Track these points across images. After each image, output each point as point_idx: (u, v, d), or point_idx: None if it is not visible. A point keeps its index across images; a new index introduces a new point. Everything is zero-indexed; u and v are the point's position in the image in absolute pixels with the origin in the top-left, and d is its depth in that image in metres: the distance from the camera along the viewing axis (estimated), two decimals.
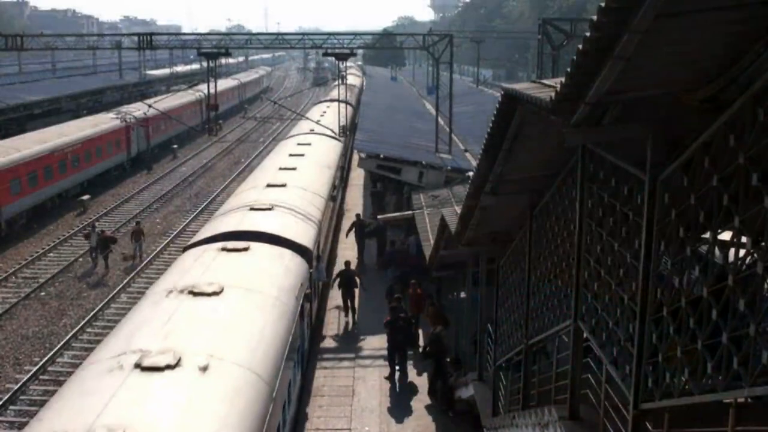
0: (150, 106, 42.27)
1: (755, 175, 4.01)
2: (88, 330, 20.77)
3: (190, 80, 69.49)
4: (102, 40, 50.59)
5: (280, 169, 23.39)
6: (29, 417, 15.27)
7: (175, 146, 51.75)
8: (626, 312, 6.05)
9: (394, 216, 26.08)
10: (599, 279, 6.77)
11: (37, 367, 18.16)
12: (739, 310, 4.16)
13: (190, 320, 10.09)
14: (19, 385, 17.19)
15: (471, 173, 11.48)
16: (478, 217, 11.10)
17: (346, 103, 35.96)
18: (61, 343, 19.59)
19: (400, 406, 15.99)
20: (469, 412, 14.86)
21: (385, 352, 17.50)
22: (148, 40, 32.81)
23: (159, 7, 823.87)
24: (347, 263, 21.08)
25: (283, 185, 20.54)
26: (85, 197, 35.50)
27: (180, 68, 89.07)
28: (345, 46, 32.53)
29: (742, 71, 4.63)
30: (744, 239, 4.20)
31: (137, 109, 45.70)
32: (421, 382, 17.22)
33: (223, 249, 13.69)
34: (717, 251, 4.57)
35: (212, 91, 31.92)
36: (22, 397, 16.94)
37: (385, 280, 23.01)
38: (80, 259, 26.91)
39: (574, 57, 4.50)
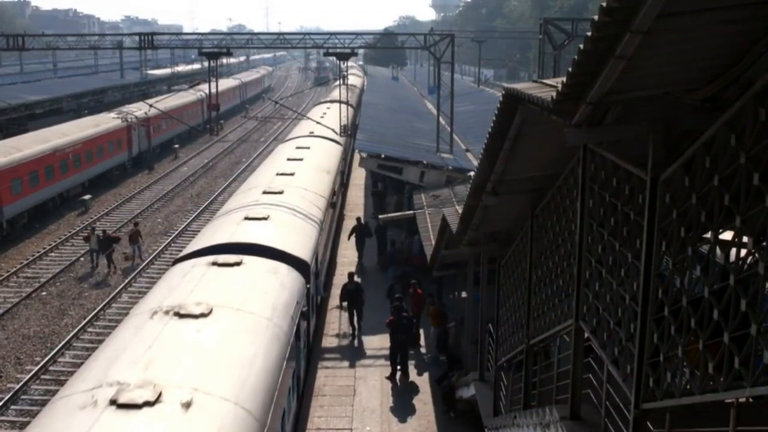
0: (151, 105, 42.25)
1: (756, 175, 4.01)
2: (90, 330, 20.78)
3: (191, 80, 69.46)
4: (103, 40, 50.60)
5: (278, 174, 22.32)
6: (30, 417, 15.30)
7: (177, 146, 51.78)
8: (627, 312, 6.05)
9: (394, 216, 26.09)
10: (600, 279, 6.77)
11: (39, 366, 18.18)
12: (741, 310, 4.16)
13: (174, 347, 9.21)
14: (20, 384, 17.20)
15: (472, 173, 11.48)
16: (479, 216, 11.12)
17: (347, 104, 35.73)
18: (63, 342, 19.60)
19: (401, 405, 15.99)
20: (471, 412, 14.86)
21: (386, 352, 17.51)
22: (149, 39, 32.82)
23: (160, 6, 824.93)
24: (351, 275, 20.37)
25: (281, 192, 19.54)
26: (87, 197, 35.52)
27: (181, 68, 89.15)
28: (346, 45, 32.53)
29: (743, 71, 4.63)
30: (745, 239, 4.20)
31: (138, 109, 45.73)
32: (423, 382, 17.23)
33: (214, 263, 12.72)
34: (718, 251, 4.56)
35: (213, 90, 31.90)
36: (23, 397, 16.96)
37: (385, 280, 23.01)
38: (81, 259, 26.93)
39: (576, 57, 4.50)
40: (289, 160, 25.23)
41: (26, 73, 74.07)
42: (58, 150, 34.02)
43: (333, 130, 32.85)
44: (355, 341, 19.10)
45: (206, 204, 35.40)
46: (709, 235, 4.67)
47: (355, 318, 19.54)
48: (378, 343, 18.65)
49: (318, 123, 33.31)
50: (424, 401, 16.26)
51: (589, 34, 4.18)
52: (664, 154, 5.38)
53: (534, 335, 9.76)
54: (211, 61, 30.83)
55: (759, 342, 3.95)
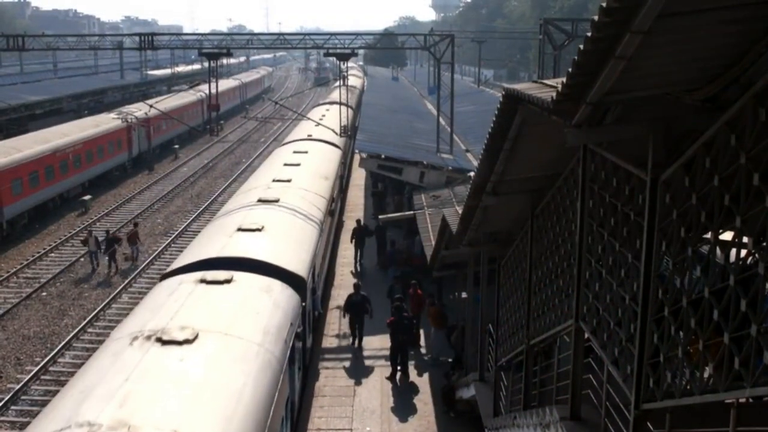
0: (151, 106, 42.25)
1: (756, 175, 4.01)
2: (89, 330, 20.78)
3: (191, 80, 69.50)
4: (103, 41, 50.57)
5: (274, 180, 21.32)
6: (30, 417, 15.31)
7: (177, 146, 51.80)
8: (627, 312, 6.05)
9: (394, 216, 26.10)
10: (600, 279, 6.77)
11: (39, 367, 18.18)
12: (741, 310, 4.16)
13: (154, 379, 8.37)
14: (20, 385, 17.21)
15: (472, 173, 11.48)
16: (479, 217, 11.12)
17: (347, 105, 35.46)
18: (63, 343, 19.60)
19: (401, 406, 15.99)
20: (471, 413, 14.86)
21: (386, 352, 17.51)
22: (149, 40, 32.81)
23: (160, 7, 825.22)
24: (357, 287, 19.52)
25: (276, 200, 18.47)
26: (87, 197, 35.53)
27: (181, 68, 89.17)
28: (346, 46, 32.53)
29: (744, 71, 4.63)
30: (745, 239, 4.20)
31: (138, 110, 45.76)
32: (423, 382, 17.23)
33: (202, 281, 11.78)
34: (718, 251, 4.56)
35: (213, 91, 31.89)
36: (23, 397, 16.96)
37: (385, 280, 23.02)
38: (81, 260, 26.92)
39: (576, 57, 4.50)
40: (286, 165, 24.23)
41: (26, 73, 74.08)
42: (58, 150, 34.02)
43: (333, 130, 32.78)
44: (356, 356, 18.36)
45: (206, 204, 35.40)
46: (709, 235, 4.67)
47: (357, 335, 18.80)
48: (378, 343, 18.65)
49: (319, 123, 33.30)
50: (424, 401, 16.27)
51: (589, 34, 4.18)
52: (664, 154, 5.38)
53: (534, 335, 9.76)
54: (211, 62, 30.82)
55: (759, 342, 3.95)
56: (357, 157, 38.62)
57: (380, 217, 26.75)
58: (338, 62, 31.63)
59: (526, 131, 7.48)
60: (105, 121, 41.83)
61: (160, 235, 30.70)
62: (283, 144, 32.17)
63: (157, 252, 27.76)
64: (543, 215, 9.42)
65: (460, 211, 13.66)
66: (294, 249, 15.49)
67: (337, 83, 46.15)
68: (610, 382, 6.80)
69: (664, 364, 5.31)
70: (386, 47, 66.03)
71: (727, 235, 4.46)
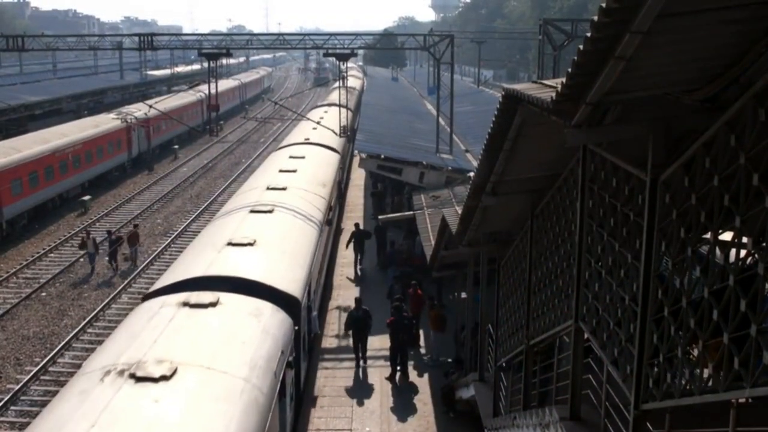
0: (151, 106, 42.32)
1: (756, 176, 4.01)
2: (89, 330, 20.78)
3: (190, 81, 69.53)
4: (103, 41, 50.65)
5: (269, 188, 20.23)
6: (30, 417, 15.31)
7: (176, 147, 51.81)
8: (627, 312, 6.05)
9: (394, 216, 26.10)
10: (600, 279, 6.77)
11: (38, 367, 18.17)
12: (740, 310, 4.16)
13: (124, 425, 7.54)
14: (20, 385, 17.20)
15: (472, 174, 11.48)
16: (479, 217, 11.11)
17: (346, 107, 35.13)
18: (62, 343, 19.60)
19: (401, 406, 16.00)
20: (470, 413, 14.86)
21: (385, 352, 17.51)
22: (148, 40, 32.82)
23: (160, 7, 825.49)
24: (358, 301, 18.33)
25: (270, 211, 17.39)
26: (86, 198, 35.52)
27: (181, 69, 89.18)
28: (346, 46, 32.53)
29: (743, 71, 4.63)
30: (745, 239, 4.20)
31: (138, 110, 45.77)
32: (422, 382, 17.24)
33: (185, 304, 10.77)
34: (718, 251, 4.56)
35: (213, 91, 31.89)
36: (23, 398, 16.95)
37: (385, 280, 23.03)
38: (81, 260, 26.90)
39: (575, 57, 4.50)
40: (281, 171, 23.22)
41: (26, 73, 74.10)
42: (57, 151, 34.02)
43: (333, 131, 32.73)
44: (360, 372, 17.47)
45: (206, 205, 35.40)
46: (708, 235, 4.67)
47: (361, 353, 17.78)
48: (378, 343, 18.63)
49: (318, 124, 33.29)
50: (423, 401, 16.27)
51: (588, 34, 4.18)
52: (664, 154, 5.38)
53: (534, 336, 9.76)
54: (211, 62, 30.84)
55: (758, 342, 3.95)
56: (356, 160, 38.60)
57: (380, 217, 26.75)
58: (338, 62, 31.65)
59: (526, 131, 7.48)
60: (104, 122, 41.83)
61: (159, 236, 30.69)
62: (279, 148, 31.42)
63: (156, 252, 27.76)
64: (543, 215, 9.42)
65: (459, 212, 13.65)
66: (288, 265, 14.36)
67: (336, 84, 45.94)
68: (610, 383, 6.81)
69: (664, 365, 5.31)
70: (386, 47, 66.00)
71: (727, 236, 4.47)
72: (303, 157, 26.16)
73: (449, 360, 17.89)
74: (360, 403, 15.99)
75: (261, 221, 16.54)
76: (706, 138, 4.68)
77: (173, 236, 30.01)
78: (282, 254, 14.81)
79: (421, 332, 19.19)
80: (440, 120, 34.53)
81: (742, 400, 4.85)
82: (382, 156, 27.20)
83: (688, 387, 4.96)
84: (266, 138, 59.24)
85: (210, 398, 8.50)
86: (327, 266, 22.79)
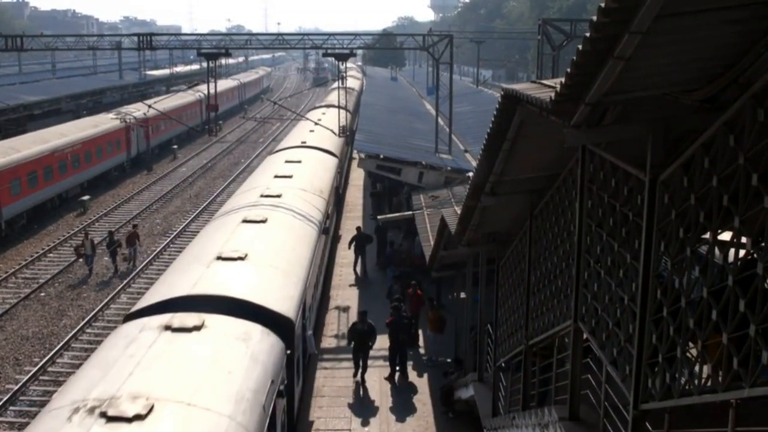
0: (150, 106, 42.33)
1: (755, 176, 4.01)
2: (88, 330, 20.77)
3: (189, 81, 69.54)
4: (102, 41, 50.58)
5: (262, 196, 19.15)
6: (29, 418, 15.30)
7: (175, 147, 51.80)
8: (626, 312, 6.05)
9: (393, 216, 26.10)
10: (599, 279, 6.77)
11: (37, 367, 18.17)
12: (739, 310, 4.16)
13: None
14: (18, 385, 17.19)
15: (471, 174, 11.48)
16: (478, 217, 11.12)
17: (345, 109, 34.79)
18: (61, 343, 19.59)
19: (400, 406, 16.00)
20: (469, 413, 14.86)
21: (385, 353, 17.50)
22: (147, 40, 32.82)
23: (159, 7, 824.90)
24: (363, 314, 17.48)
25: (264, 221, 16.29)
26: (85, 198, 35.51)
27: (180, 69, 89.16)
28: (345, 46, 32.53)
29: (743, 71, 4.64)
30: (744, 240, 4.20)
31: (137, 110, 45.78)
32: (422, 382, 17.24)
33: (167, 328, 9.86)
34: (717, 252, 4.56)
35: (212, 91, 31.89)
36: (21, 398, 16.95)
37: (385, 280, 23.04)
38: (80, 260, 26.87)
39: (574, 57, 4.50)
40: (276, 177, 22.12)
41: (25, 73, 74.07)
42: (56, 151, 34.01)
43: (332, 131, 32.66)
44: (360, 389, 16.80)
45: (205, 205, 35.39)
46: (707, 235, 4.67)
47: (361, 365, 17.14)
48: (377, 343, 18.61)
49: (316, 125, 33.26)
50: (423, 402, 16.27)
51: (587, 34, 4.18)
52: (663, 154, 5.38)
53: (533, 336, 9.76)
54: (210, 62, 30.83)
55: (757, 342, 3.95)
56: (355, 161, 38.59)
57: (379, 217, 26.74)
58: (337, 62, 31.64)
59: (525, 131, 7.48)
60: (103, 122, 41.83)
61: (159, 236, 30.69)
62: (275, 151, 30.44)
63: (156, 252, 27.75)
64: (542, 215, 9.42)
65: (458, 212, 13.66)
66: (281, 282, 13.30)
67: (335, 85, 45.68)
68: (609, 383, 6.81)
69: (663, 365, 5.31)
70: (385, 47, 66.01)
71: (726, 236, 4.47)
72: (299, 162, 25.23)
73: (448, 360, 17.89)
74: (359, 403, 15.99)
75: (253, 232, 15.53)
76: (705, 138, 4.68)
77: (172, 236, 30.00)
78: (275, 270, 13.75)
79: (420, 332, 19.19)
80: (439, 120, 34.53)
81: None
82: (381, 156, 27.20)
83: (687, 387, 4.96)
84: (265, 138, 59.24)
85: None
86: (325, 270, 22.23)
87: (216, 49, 31.74)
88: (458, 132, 37.19)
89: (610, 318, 6.48)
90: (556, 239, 8.49)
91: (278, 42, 35.53)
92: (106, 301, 22.79)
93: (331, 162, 28.31)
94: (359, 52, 78.49)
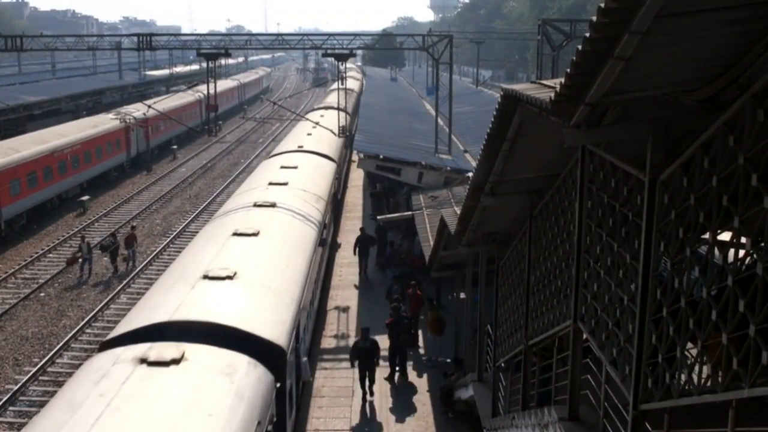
0: (149, 106, 42.32)
1: (755, 176, 4.01)
2: (88, 331, 20.77)
3: (189, 81, 69.53)
4: (102, 41, 50.60)
5: (255, 205, 17.96)
6: (28, 418, 15.30)
7: (175, 147, 51.79)
8: (626, 313, 6.05)
9: (393, 216, 26.11)
10: (599, 279, 6.77)
11: (37, 368, 18.16)
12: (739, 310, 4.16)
13: None
14: (18, 386, 17.19)
15: (470, 174, 11.48)
16: (478, 217, 11.12)
17: (345, 111, 34.40)
18: (61, 344, 19.59)
19: (400, 406, 16.00)
20: (469, 413, 14.86)
21: (384, 353, 17.49)
22: (147, 40, 32.82)
23: (158, 7, 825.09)
24: (365, 331, 16.61)
25: (256, 233, 15.17)
26: (85, 198, 35.51)
27: (179, 69, 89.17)
28: (344, 46, 32.54)
29: (742, 71, 4.63)
30: (744, 240, 4.20)
31: (137, 110, 45.77)
32: (421, 382, 17.24)
33: (143, 361, 8.83)
34: (717, 252, 4.56)
35: (212, 91, 31.89)
36: (21, 398, 16.95)
37: (385, 280, 23.04)
38: (80, 261, 26.84)
39: (574, 58, 4.50)
40: (271, 184, 20.97)
41: (24, 73, 74.10)
42: (56, 151, 34.01)
43: (331, 131, 32.57)
44: (368, 409, 15.95)
45: (205, 205, 35.39)
46: (707, 235, 4.67)
47: (367, 382, 16.21)
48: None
49: (314, 126, 33.22)
50: (422, 402, 16.28)
51: (587, 34, 4.18)
52: (663, 154, 5.38)
53: (533, 336, 9.76)
54: (210, 62, 30.83)
55: (757, 342, 3.95)
56: (354, 166, 38.44)
57: (379, 217, 26.75)
58: (336, 63, 31.62)
59: (525, 132, 7.48)
60: (103, 122, 41.84)
61: (158, 236, 30.68)
62: (271, 156, 29.42)
63: (155, 252, 27.74)
64: (541, 216, 9.42)
65: (458, 212, 13.66)
66: (273, 304, 12.12)
67: (334, 86, 45.39)
68: (609, 383, 6.81)
69: (663, 365, 5.31)
70: (385, 48, 66.03)
71: (726, 236, 4.47)
72: (295, 167, 24.12)
73: (448, 360, 17.89)
74: (359, 404, 15.97)
75: (244, 247, 14.42)
76: (704, 138, 4.68)
77: (172, 236, 30.00)
78: (266, 289, 12.60)
79: (420, 332, 19.20)
80: (439, 120, 34.54)
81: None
82: (381, 156, 27.21)
83: (686, 387, 4.96)
84: (265, 138, 59.24)
85: None
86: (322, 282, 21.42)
87: (216, 50, 31.73)
88: (458, 132, 37.20)
89: (609, 318, 6.48)
90: (556, 239, 8.49)
91: (278, 42, 35.54)
92: (105, 301, 22.78)
93: (329, 167, 27.37)
94: (359, 52, 78.53)
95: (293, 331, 11.80)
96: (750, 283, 4.08)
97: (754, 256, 4.09)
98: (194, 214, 33.76)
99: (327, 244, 22.42)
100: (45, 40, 38.02)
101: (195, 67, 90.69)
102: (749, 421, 5.28)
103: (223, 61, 69.30)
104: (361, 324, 20.05)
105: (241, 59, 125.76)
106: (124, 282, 24.52)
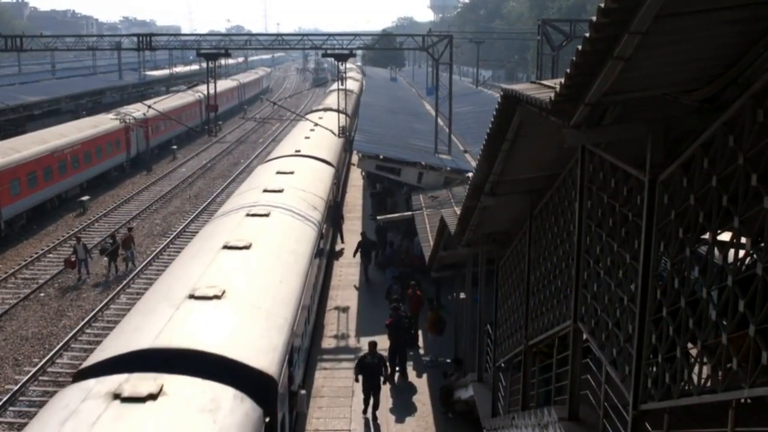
0: (149, 106, 42.33)
1: (754, 176, 4.01)
2: (88, 331, 20.76)
3: (189, 81, 69.55)
4: (101, 41, 50.62)
5: (248, 215, 16.76)
6: (28, 418, 15.30)
7: (175, 147, 51.79)
8: (626, 313, 6.05)
9: (393, 216, 26.12)
10: (599, 279, 6.77)
11: (37, 368, 18.16)
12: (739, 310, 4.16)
13: None
14: (18, 386, 17.19)
15: (470, 174, 11.48)
16: (478, 217, 11.12)
17: (345, 113, 34.04)
18: (61, 344, 19.58)
19: (399, 406, 15.99)
20: (469, 413, 14.86)
21: (384, 353, 17.49)
22: (147, 40, 32.84)
23: (158, 7, 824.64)
24: (372, 345, 15.86)
25: (247, 246, 14.01)
26: (85, 198, 35.51)
27: (179, 69, 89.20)
28: (344, 46, 32.54)
29: (742, 72, 4.64)
30: (743, 240, 4.20)
31: (137, 110, 45.77)
32: (421, 383, 17.23)
33: (116, 397, 7.91)
34: (716, 252, 4.56)
35: (212, 92, 31.89)
36: (21, 398, 16.94)
37: (385, 280, 23.04)
38: (76, 262, 26.81)
39: (574, 58, 4.50)
40: (265, 191, 19.76)
41: (24, 74, 74.12)
42: (56, 151, 34.01)
43: (332, 131, 32.47)
44: (369, 409, 15.59)
45: (204, 205, 35.39)
46: (707, 235, 4.67)
47: (372, 401, 15.50)
48: (377, 344, 18.63)
49: (313, 128, 33.19)
50: (422, 402, 16.27)
51: (587, 35, 4.18)
52: (663, 154, 5.39)
53: (532, 336, 9.77)
54: (210, 63, 30.83)
55: (757, 342, 3.95)
56: (354, 169, 38.37)
57: (379, 218, 26.76)
58: (336, 63, 31.63)
59: (525, 132, 7.48)
60: (103, 122, 41.83)
61: (158, 236, 30.68)
62: (267, 161, 28.17)
63: (155, 253, 27.74)
64: (541, 216, 9.43)
65: (458, 212, 13.66)
66: (263, 327, 10.98)
67: (333, 86, 45.15)
68: (609, 383, 6.81)
69: (663, 365, 5.31)
70: (384, 48, 66.07)
71: (725, 236, 4.47)
72: (292, 173, 22.94)
73: (448, 361, 17.89)
74: (359, 404, 15.96)
75: (235, 261, 13.32)
76: (704, 138, 4.68)
77: (172, 236, 29.99)
78: (257, 310, 11.46)
79: (420, 333, 19.20)
80: (439, 120, 34.55)
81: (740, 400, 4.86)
82: (381, 156, 27.21)
83: (686, 387, 4.96)
84: (265, 138, 59.24)
85: None
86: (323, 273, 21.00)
87: (215, 50, 31.75)
88: (458, 132, 37.21)
89: (609, 318, 6.49)
90: (556, 239, 8.50)
91: (278, 42, 35.56)
92: (105, 301, 22.78)
93: (328, 172, 26.22)
94: (359, 52, 78.56)
95: (286, 356, 10.76)
96: (750, 284, 4.08)
97: (754, 256, 4.09)
98: (194, 214, 33.75)
99: (325, 254, 21.46)
100: (45, 40, 38.04)
101: (195, 67, 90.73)
102: (749, 421, 5.29)
103: (222, 62, 69.40)
104: (361, 324, 20.09)
105: (240, 59, 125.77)
106: (124, 282, 24.51)
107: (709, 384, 4.62)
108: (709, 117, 4.81)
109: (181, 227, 31.46)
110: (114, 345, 10.07)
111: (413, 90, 76.03)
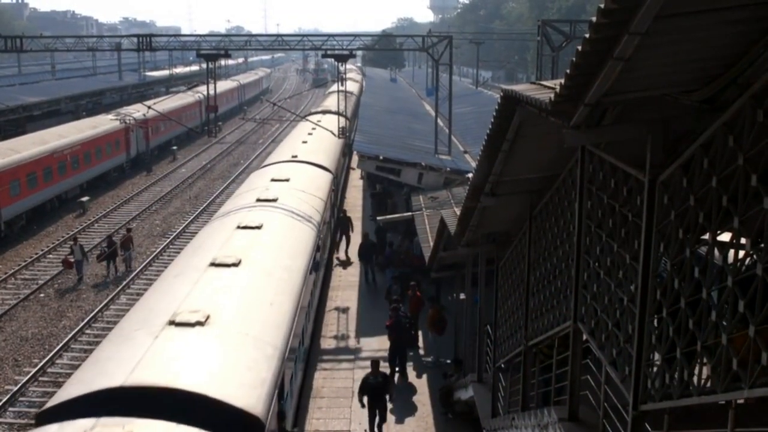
0: (149, 107, 42.31)
1: (754, 176, 4.01)
2: (87, 331, 20.76)
3: (189, 82, 69.56)
4: (101, 42, 50.60)
5: (239, 227, 15.47)
6: (28, 419, 15.30)
7: (175, 147, 51.79)
8: (626, 313, 6.05)
9: (393, 217, 26.14)
10: (599, 280, 6.77)
11: (37, 368, 18.16)
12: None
13: None
14: (18, 386, 17.18)
15: (470, 174, 11.48)
16: (478, 218, 11.12)
17: (344, 115, 33.79)
18: (61, 344, 19.58)
19: (399, 407, 15.97)
20: (469, 414, 14.85)
21: (384, 353, 17.50)
22: (147, 41, 32.85)
23: (158, 8, 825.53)
24: (375, 364, 15.09)
25: (236, 263, 12.78)
26: (85, 199, 35.51)
27: (179, 70, 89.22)
28: (344, 47, 32.54)
29: (742, 72, 4.64)
30: (743, 240, 4.20)
31: (136, 111, 45.77)
32: (421, 383, 17.23)
33: None
34: (716, 252, 4.56)
35: (212, 92, 31.88)
36: (21, 399, 16.94)
37: (384, 281, 23.04)
38: (74, 263, 26.80)
39: (574, 58, 4.51)
40: (259, 200, 18.41)
41: (24, 74, 74.16)
42: (56, 152, 34.01)
43: (331, 132, 32.39)
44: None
45: (204, 206, 35.39)
46: (707, 236, 4.68)
47: (377, 419, 14.83)
48: (376, 344, 18.65)
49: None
50: (422, 402, 16.27)
51: (587, 35, 4.18)
52: (662, 155, 5.39)
53: (532, 336, 9.77)
54: (210, 63, 30.82)
55: (757, 343, 3.95)
56: (353, 175, 38.24)
57: (379, 218, 26.77)
58: (336, 63, 31.62)
59: (525, 132, 7.49)
60: (103, 123, 41.85)
61: (158, 237, 30.68)
62: (262, 167, 26.86)
63: (155, 253, 27.73)
64: (541, 216, 9.43)
65: (458, 212, 13.66)
66: (251, 357, 9.83)
67: (333, 87, 45.00)
68: (609, 383, 6.81)
69: (663, 365, 5.31)
70: (384, 48, 66.13)
71: (725, 236, 4.47)
72: (287, 180, 21.58)
73: (448, 361, 17.89)
74: (358, 404, 15.96)
75: (222, 281, 12.13)
76: (704, 139, 4.68)
77: (171, 237, 29.99)
78: (244, 338, 10.22)
79: (420, 333, 19.20)
80: (439, 121, 34.56)
81: (740, 401, 4.86)
82: (381, 157, 27.22)
83: (686, 388, 4.96)
84: (265, 139, 59.25)
85: None
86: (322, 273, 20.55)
87: (215, 50, 31.74)
88: (458, 133, 37.22)
89: (609, 319, 6.49)
90: (556, 240, 8.50)
91: (278, 43, 35.56)
92: (105, 302, 22.77)
93: (326, 179, 24.66)
94: (359, 53, 78.57)
95: (275, 390, 9.65)
96: (750, 284, 4.08)
97: (754, 256, 4.09)
98: (194, 215, 33.75)
99: (322, 267, 20.41)
100: (45, 40, 38.05)
101: (195, 67, 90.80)
102: (749, 421, 5.29)
103: (222, 62, 69.47)
104: (361, 325, 20.07)
105: (240, 60, 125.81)
106: (124, 283, 24.50)
107: (709, 384, 4.62)
108: (709, 117, 4.82)
109: (181, 228, 31.46)
110: (83, 380, 8.90)
111: (413, 90, 76.07)
